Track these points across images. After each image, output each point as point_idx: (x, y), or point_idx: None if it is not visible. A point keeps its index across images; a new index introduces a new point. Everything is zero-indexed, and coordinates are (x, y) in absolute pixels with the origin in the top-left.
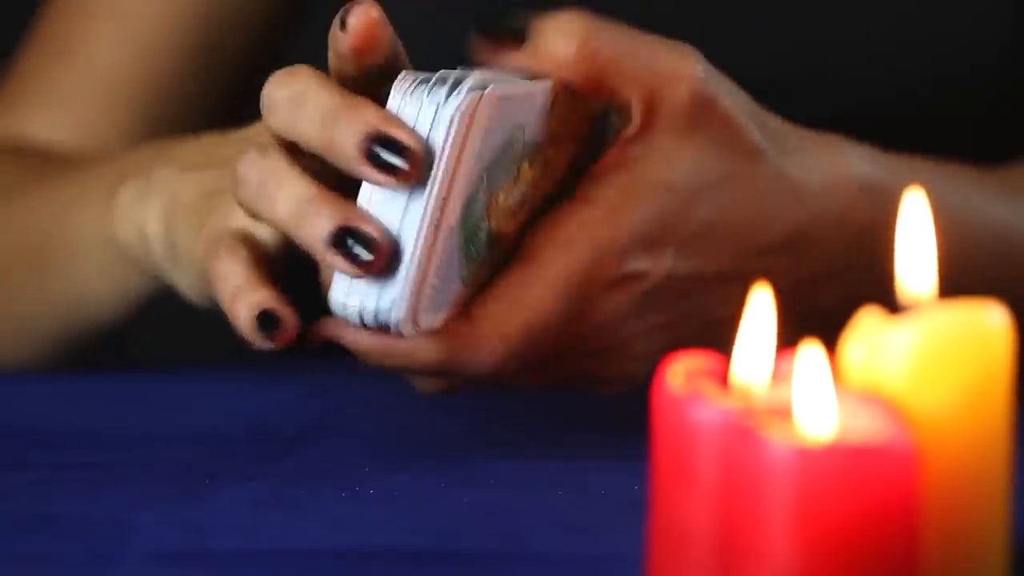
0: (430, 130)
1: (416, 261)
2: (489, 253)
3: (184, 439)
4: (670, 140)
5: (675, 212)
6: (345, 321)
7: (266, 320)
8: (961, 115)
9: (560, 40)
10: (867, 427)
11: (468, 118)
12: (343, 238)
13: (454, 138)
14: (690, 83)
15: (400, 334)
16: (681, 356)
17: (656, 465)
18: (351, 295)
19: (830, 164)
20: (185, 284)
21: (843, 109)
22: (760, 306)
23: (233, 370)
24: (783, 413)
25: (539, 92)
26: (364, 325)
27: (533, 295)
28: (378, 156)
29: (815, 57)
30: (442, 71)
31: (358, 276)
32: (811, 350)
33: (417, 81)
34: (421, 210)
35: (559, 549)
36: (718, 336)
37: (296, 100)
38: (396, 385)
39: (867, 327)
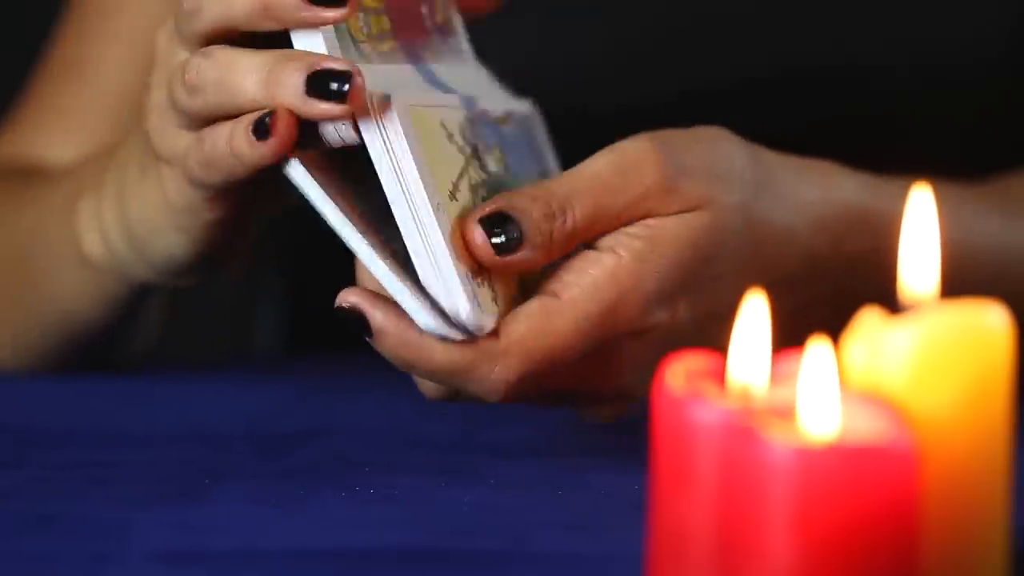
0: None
1: (440, 253)
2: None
3: (184, 439)
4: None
5: (694, 267)
6: (367, 296)
7: (260, 127)
8: (961, 113)
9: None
10: (867, 427)
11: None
12: (319, 81)
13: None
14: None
15: (471, 334)
16: (681, 357)
17: (656, 465)
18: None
19: (821, 199)
20: (165, 232)
21: (843, 108)
22: (756, 309)
23: (233, 370)
24: (783, 413)
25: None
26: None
27: (559, 325)
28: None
29: (816, 56)
30: None
31: (346, 116)
32: (819, 349)
33: None
34: (416, 213)
35: (559, 549)
36: None
37: None
38: (396, 385)
39: (867, 327)
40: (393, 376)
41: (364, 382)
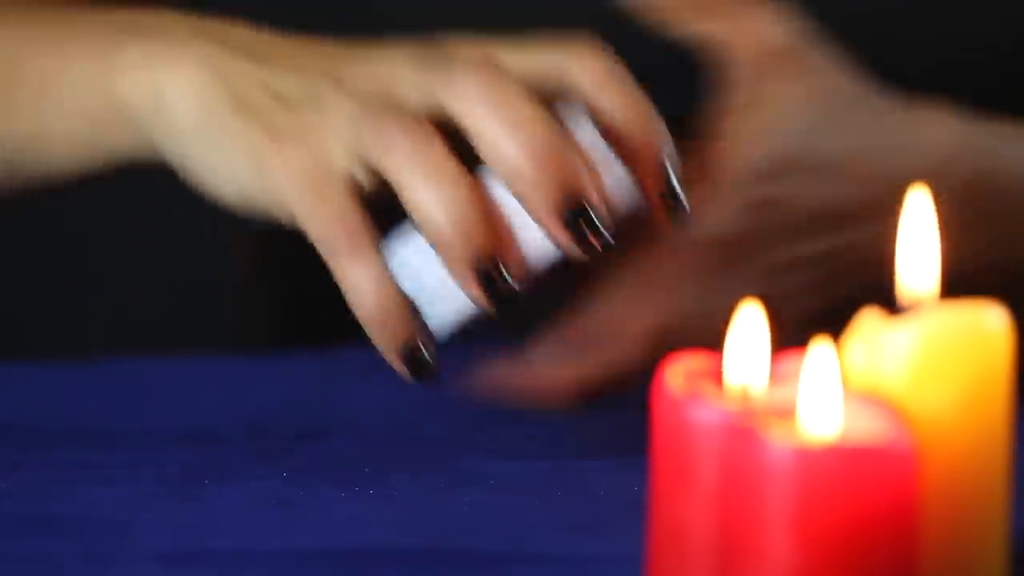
0: None
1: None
2: None
3: (183, 439)
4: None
5: (794, 149)
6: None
7: (413, 359)
8: (971, 96)
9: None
10: (867, 428)
11: None
12: (488, 268)
13: None
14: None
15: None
16: (681, 356)
17: (656, 465)
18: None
19: (928, 122)
20: (214, 177)
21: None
22: (753, 311)
23: (233, 369)
24: (783, 413)
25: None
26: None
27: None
28: (579, 225)
29: (831, 34)
30: None
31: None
32: (822, 348)
33: None
34: None
35: (559, 549)
36: (861, 282)
37: (516, 124)
38: (396, 385)
39: (867, 327)
40: (392, 375)
41: (364, 382)
